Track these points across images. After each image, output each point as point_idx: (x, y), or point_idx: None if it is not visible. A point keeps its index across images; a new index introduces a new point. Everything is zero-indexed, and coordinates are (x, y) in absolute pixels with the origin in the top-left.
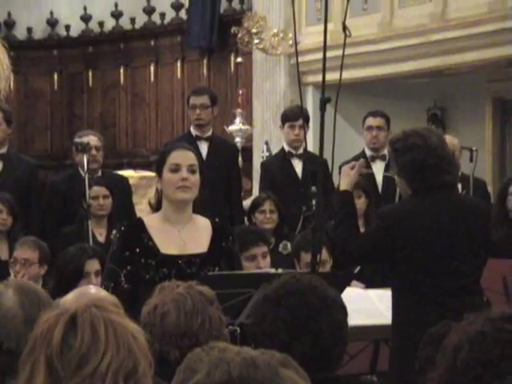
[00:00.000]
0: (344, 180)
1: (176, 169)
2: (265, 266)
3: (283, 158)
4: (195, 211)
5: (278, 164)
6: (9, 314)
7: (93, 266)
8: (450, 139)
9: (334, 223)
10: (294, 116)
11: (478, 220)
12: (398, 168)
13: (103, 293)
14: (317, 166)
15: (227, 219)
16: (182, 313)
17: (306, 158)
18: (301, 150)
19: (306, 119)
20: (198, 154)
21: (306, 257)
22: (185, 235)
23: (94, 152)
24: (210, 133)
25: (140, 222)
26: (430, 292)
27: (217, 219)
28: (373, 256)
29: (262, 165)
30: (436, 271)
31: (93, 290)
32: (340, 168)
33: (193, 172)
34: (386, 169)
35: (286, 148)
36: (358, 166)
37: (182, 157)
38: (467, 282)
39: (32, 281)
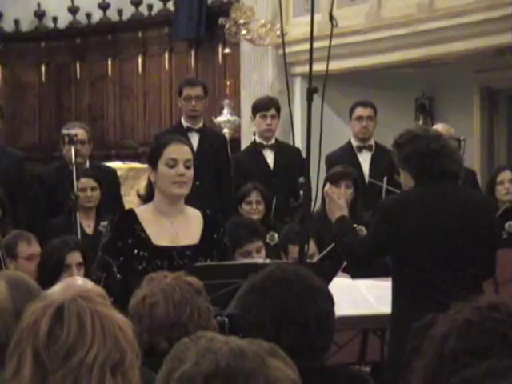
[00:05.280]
0: (334, 207)
1: (173, 164)
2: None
3: (254, 149)
4: (186, 202)
5: (249, 156)
6: None
7: (74, 258)
8: (445, 128)
9: (337, 238)
10: (265, 106)
11: (481, 214)
12: (401, 160)
13: (90, 284)
14: (290, 155)
15: (218, 210)
16: (170, 303)
17: (279, 148)
18: (272, 141)
19: (277, 109)
20: (190, 146)
21: (294, 250)
22: (177, 227)
23: (78, 146)
24: (201, 124)
25: (132, 213)
26: (423, 286)
27: (208, 211)
28: (377, 251)
29: (234, 158)
30: (430, 265)
31: (79, 281)
32: (326, 159)
33: (189, 167)
34: (372, 160)
35: (257, 139)
36: (343, 195)
37: (179, 151)
38: (463, 277)
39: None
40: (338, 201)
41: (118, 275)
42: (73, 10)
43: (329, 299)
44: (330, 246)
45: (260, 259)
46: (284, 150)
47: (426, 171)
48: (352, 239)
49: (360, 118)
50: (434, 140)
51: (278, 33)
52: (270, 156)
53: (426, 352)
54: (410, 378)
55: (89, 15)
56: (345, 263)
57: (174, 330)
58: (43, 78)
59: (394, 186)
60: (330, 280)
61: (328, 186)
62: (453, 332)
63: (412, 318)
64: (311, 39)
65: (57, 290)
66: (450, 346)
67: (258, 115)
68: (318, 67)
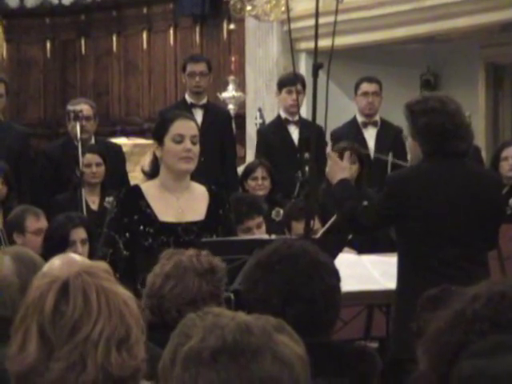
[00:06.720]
0: (337, 169)
1: (180, 140)
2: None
3: (280, 124)
4: (191, 178)
5: (274, 131)
6: (5, 281)
7: (78, 234)
8: None
9: (338, 202)
10: (291, 81)
11: (488, 190)
12: (414, 130)
13: (87, 260)
14: (312, 132)
15: (222, 186)
16: (192, 279)
17: (302, 124)
18: (297, 117)
19: (303, 85)
20: (196, 122)
21: (297, 226)
22: (183, 203)
23: (83, 122)
24: (205, 100)
25: (138, 189)
26: (429, 260)
27: (213, 187)
28: (381, 223)
29: (258, 132)
30: (436, 240)
31: (77, 257)
32: (332, 135)
33: (195, 142)
34: (378, 136)
35: (283, 115)
36: (346, 159)
37: (186, 127)
38: (469, 252)
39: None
40: (341, 163)
41: (125, 251)
42: None
43: (335, 275)
44: (333, 219)
45: (264, 235)
46: (308, 127)
47: (437, 150)
48: (355, 205)
49: (366, 93)
50: (451, 117)
51: (283, 9)
52: (294, 132)
53: (451, 306)
54: (425, 329)
55: None
56: (350, 237)
57: (191, 307)
58: (48, 55)
59: (400, 160)
60: (335, 255)
61: (347, 153)
62: (483, 297)
63: (418, 293)
64: (316, 15)
65: (56, 265)
66: (474, 308)
67: (283, 90)
68: (323, 43)
